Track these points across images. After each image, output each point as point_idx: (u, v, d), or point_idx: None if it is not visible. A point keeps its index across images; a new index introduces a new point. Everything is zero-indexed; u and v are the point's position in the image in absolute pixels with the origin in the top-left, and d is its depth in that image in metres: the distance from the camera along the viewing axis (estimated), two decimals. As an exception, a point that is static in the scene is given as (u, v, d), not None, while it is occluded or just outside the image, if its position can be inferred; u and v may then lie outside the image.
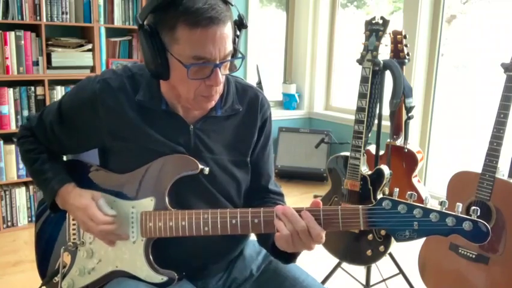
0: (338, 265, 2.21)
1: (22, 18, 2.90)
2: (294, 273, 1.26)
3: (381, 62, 1.96)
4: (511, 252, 1.80)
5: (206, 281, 1.26)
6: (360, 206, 1.03)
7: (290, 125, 4.38)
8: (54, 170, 1.23)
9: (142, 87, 1.17)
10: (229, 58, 1.08)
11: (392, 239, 1.93)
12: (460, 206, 0.97)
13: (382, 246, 1.97)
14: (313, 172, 4.14)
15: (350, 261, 2.13)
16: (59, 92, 3.11)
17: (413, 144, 2.75)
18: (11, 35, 2.90)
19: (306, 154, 4.19)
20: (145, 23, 1.05)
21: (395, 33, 2.41)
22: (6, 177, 3.01)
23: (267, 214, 1.07)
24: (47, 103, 3.04)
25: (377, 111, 2.03)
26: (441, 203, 0.98)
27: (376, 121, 2.04)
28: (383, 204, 1.01)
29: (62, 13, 3.03)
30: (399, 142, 2.62)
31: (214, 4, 1.00)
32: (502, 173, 1.87)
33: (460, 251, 1.92)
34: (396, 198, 1.01)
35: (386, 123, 2.18)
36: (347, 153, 2.04)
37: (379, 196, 1.97)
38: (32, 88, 3.02)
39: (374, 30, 1.93)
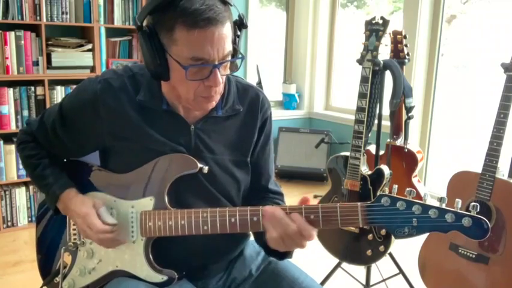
0: (338, 265, 2.21)
1: (22, 18, 2.90)
2: (293, 274, 1.26)
3: (381, 62, 1.96)
4: (511, 252, 1.80)
5: (206, 281, 1.26)
6: (359, 203, 1.03)
7: (290, 125, 4.38)
8: (55, 175, 1.23)
9: (142, 87, 1.17)
10: (229, 58, 1.08)
11: (392, 238, 1.95)
12: (459, 202, 0.97)
13: (382, 246, 1.97)
14: (313, 172, 4.14)
15: (350, 261, 2.13)
16: (59, 92, 3.11)
17: (413, 144, 2.75)
18: (11, 35, 2.90)
19: (306, 154, 4.19)
20: (144, 24, 1.05)
21: (395, 33, 2.41)
22: (6, 177, 3.01)
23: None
24: (47, 103, 3.04)
25: (377, 111, 2.03)
26: (440, 200, 0.98)
27: (376, 121, 2.04)
28: (381, 201, 1.01)
29: (62, 13, 3.03)
30: (399, 142, 2.62)
31: (212, 5, 1.00)
32: (502, 173, 1.87)
33: (459, 250, 1.92)
34: (395, 195, 1.01)
35: (386, 123, 2.18)
36: (347, 153, 2.04)
37: (379, 196, 1.97)
38: (32, 88, 3.02)
39: (374, 30, 1.93)
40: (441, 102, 3.72)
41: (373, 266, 2.13)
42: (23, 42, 2.93)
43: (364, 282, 2.20)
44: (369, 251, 1.99)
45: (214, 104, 1.15)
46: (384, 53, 2.15)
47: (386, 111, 2.08)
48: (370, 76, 1.94)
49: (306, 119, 4.65)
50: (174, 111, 1.18)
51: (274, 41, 4.77)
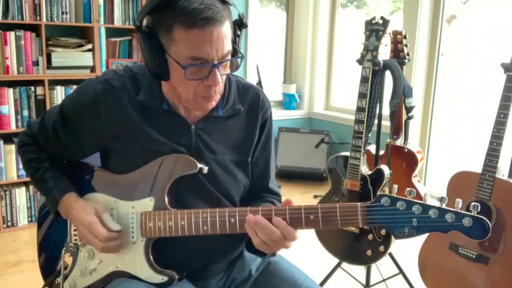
0: (338, 265, 2.21)
1: (22, 18, 2.90)
2: (292, 275, 1.26)
3: (381, 62, 1.96)
4: (511, 252, 1.80)
5: (206, 281, 1.26)
6: (359, 204, 1.02)
7: (290, 125, 4.39)
8: (55, 179, 1.23)
9: (143, 87, 1.17)
10: (228, 58, 1.08)
11: (392, 238, 1.95)
12: (459, 202, 0.97)
13: (382, 246, 1.97)
14: (313, 172, 4.14)
15: (350, 261, 2.13)
16: (59, 92, 3.11)
17: (413, 144, 2.75)
18: (11, 35, 2.90)
19: (306, 154, 4.19)
20: (143, 24, 1.05)
21: (395, 33, 2.41)
22: (6, 177, 3.01)
23: (266, 213, 1.07)
24: (47, 103, 3.04)
25: (377, 111, 2.03)
26: (440, 199, 0.98)
27: (376, 121, 2.04)
28: (381, 201, 1.01)
29: (62, 13, 3.03)
30: (399, 142, 2.62)
31: (210, 4, 1.00)
32: (502, 173, 1.87)
33: (460, 251, 1.92)
34: (395, 195, 1.00)
35: (386, 123, 2.18)
36: (347, 153, 2.04)
37: (379, 196, 1.97)
38: (32, 88, 3.02)
39: (374, 30, 1.93)
40: (441, 102, 3.72)
41: (373, 266, 2.13)
42: (23, 42, 2.93)
43: (364, 282, 2.20)
44: (369, 251, 1.99)
45: (214, 103, 1.15)
46: (384, 53, 2.15)
47: (386, 111, 2.08)
48: (370, 76, 1.94)
49: (306, 119, 4.65)
50: (175, 111, 1.18)
51: (274, 41, 4.77)
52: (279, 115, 4.46)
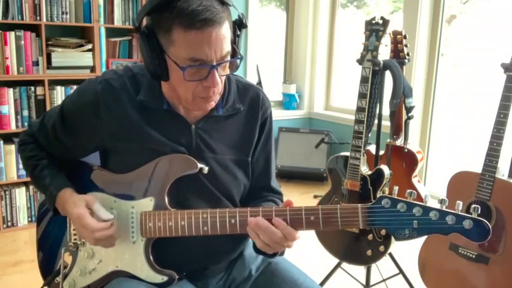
0: (338, 265, 2.21)
1: (22, 18, 2.90)
2: (292, 275, 1.26)
3: (381, 62, 1.96)
4: (511, 252, 1.80)
5: (206, 281, 1.26)
6: (360, 205, 1.03)
7: (290, 125, 4.38)
8: (52, 176, 1.23)
9: (143, 87, 1.17)
10: (227, 59, 1.08)
11: (392, 238, 1.94)
12: (460, 204, 0.97)
13: (382, 246, 1.97)
14: (313, 172, 4.14)
15: (350, 262, 2.13)
16: (59, 92, 3.11)
17: (413, 144, 2.75)
18: (11, 35, 2.90)
19: (306, 154, 4.19)
20: (142, 24, 1.05)
21: (395, 33, 2.41)
22: (6, 177, 3.01)
23: (266, 213, 1.08)
24: (47, 103, 3.04)
25: (377, 111, 2.03)
26: (441, 201, 0.98)
27: (376, 121, 2.04)
28: (382, 203, 1.01)
29: (62, 13, 3.03)
30: (399, 142, 2.62)
31: (209, 5, 1.00)
32: (502, 173, 1.87)
33: (460, 251, 1.92)
34: (396, 197, 1.01)
35: (386, 123, 2.18)
36: (347, 153, 2.04)
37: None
38: (32, 88, 3.02)
39: (374, 30, 1.93)
40: (441, 102, 3.72)
41: (373, 266, 2.13)
42: (23, 42, 2.93)
43: (364, 282, 2.20)
44: (369, 251, 1.99)
45: (213, 104, 1.15)
46: (384, 53, 2.16)
47: (386, 111, 2.08)
48: (370, 76, 1.94)
49: (306, 119, 4.65)
50: (175, 110, 1.18)
51: (274, 41, 4.77)
52: (279, 115, 4.46)
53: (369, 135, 2.05)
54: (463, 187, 1.92)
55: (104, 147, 1.22)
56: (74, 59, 3.12)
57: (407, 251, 2.31)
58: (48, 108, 3.01)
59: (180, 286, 1.18)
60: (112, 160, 1.23)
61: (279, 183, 1.37)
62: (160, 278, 1.14)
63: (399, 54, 2.38)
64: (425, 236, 2.06)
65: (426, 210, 0.98)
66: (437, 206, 0.98)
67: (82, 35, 3.26)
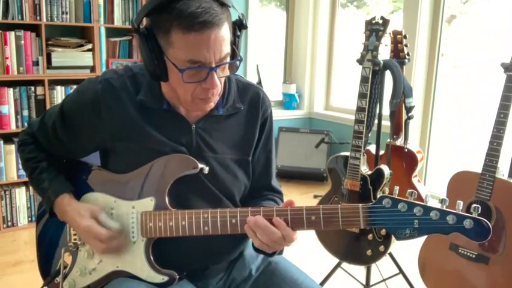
0: (338, 265, 2.21)
1: (22, 18, 2.90)
2: (292, 274, 1.26)
3: (381, 62, 1.96)
4: (511, 252, 1.80)
5: (206, 281, 1.26)
6: (360, 205, 1.03)
7: (290, 125, 4.38)
8: (50, 180, 1.23)
9: (143, 87, 1.17)
10: (226, 60, 1.07)
11: (392, 238, 1.94)
12: (460, 204, 0.97)
13: (382, 246, 1.97)
14: (313, 172, 4.14)
15: (350, 261, 2.13)
16: (59, 92, 3.11)
17: (413, 144, 2.75)
18: (11, 35, 2.90)
19: (306, 154, 4.19)
20: (142, 25, 1.05)
21: (395, 33, 2.41)
22: (6, 177, 3.01)
23: (267, 213, 1.07)
24: (47, 103, 3.04)
25: (377, 111, 2.03)
26: (441, 201, 0.98)
27: (376, 121, 2.04)
28: (383, 203, 1.01)
29: (62, 13, 3.03)
30: (399, 142, 2.62)
31: (208, 7, 0.99)
32: (502, 173, 1.87)
33: (460, 250, 1.92)
34: (397, 197, 1.01)
35: (386, 123, 2.18)
36: (347, 153, 2.04)
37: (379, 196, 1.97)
38: (32, 88, 3.02)
39: (374, 30, 1.93)
40: (441, 102, 3.72)
41: (373, 266, 2.13)
42: (23, 42, 2.93)
43: (364, 282, 2.20)
44: (369, 251, 1.99)
45: (212, 105, 1.15)
46: (384, 53, 2.15)
47: (386, 111, 2.08)
48: (370, 76, 1.94)
49: (306, 119, 4.65)
50: (175, 110, 1.18)
51: (274, 41, 4.77)
52: (279, 115, 4.46)
53: (369, 135, 2.05)
54: (463, 187, 1.92)
55: (105, 147, 1.22)
56: (74, 59, 3.12)
57: (407, 251, 2.31)
58: (48, 108, 3.01)
59: (180, 286, 1.18)
60: (112, 160, 1.23)
61: (279, 183, 1.38)
62: (160, 278, 1.14)
63: (399, 54, 2.38)
64: (426, 236, 2.07)
65: (427, 209, 0.98)
66: (438, 205, 0.98)
67: (82, 35, 3.26)
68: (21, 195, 3.07)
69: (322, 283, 2.20)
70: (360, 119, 1.97)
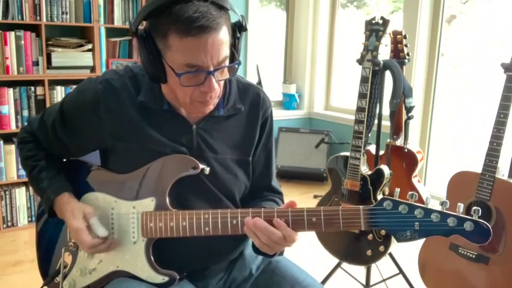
0: (338, 265, 2.21)
1: (22, 18, 2.90)
2: (293, 273, 1.26)
3: (381, 62, 1.96)
4: (511, 252, 1.80)
5: (206, 281, 1.26)
6: (361, 207, 1.03)
7: (290, 125, 4.38)
8: (50, 179, 1.23)
9: (143, 87, 1.17)
10: (225, 64, 1.07)
11: (392, 239, 1.94)
12: (461, 207, 0.97)
13: (382, 246, 1.97)
14: (313, 172, 4.14)
15: (350, 261, 2.13)
16: (59, 92, 3.11)
17: (413, 144, 2.75)
18: (11, 35, 2.90)
19: (306, 154, 4.19)
20: (140, 28, 1.05)
21: (395, 33, 2.41)
22: (6, 177, 3.01)
23: (268, 214, 1.07)
24: (47, 103, 3.04)
25: (377, 111, 2.03)
26: (442, 203, 0.98)
27: (376, 121, 2.04)
28: (384, 205, 1.01)
29: (62, 13, 3.03)
30: (399, 142, 2.62)
31: (205, 12, 0.99)
32: (502, 173, 1.87)
33: (460, 251, 1.92)
34: (397, 199, 1.01)
35: (386, 123, 2.18)
36: (347, 153, 2.04)
37: (379, 196, 1.97)
38: (32, 88, 3.02)
39: (374, 30, 1.93)
40: (441, 102, 3.72)
41: (373, 266, 2.13)
42: (23, 42, 2.93)
43: (364, 282, 2.20)
44: (369, 251, 1.99)
45: (211, 107, 1.15)
46: (384, 53, 2.15)
47: (386, 111, 2.08)
48: (370, 76, 1.94)
49: (306, 119, 4.65)
50: (175, 111, 1.18)
51: (274, 41, 4.77)
52: (279, 115, 4.46)
53: (369, 135, 2.05)
54: (463, 187, 1.92)
55: (105, 147, 1.22)
56: (74, 59, 3.12)
57: (407, 251, 2.31)
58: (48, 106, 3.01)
59: (181, 286, 1.18)
60: (112, 160, 1.23)
61: (279, 183, 1.38)
62: (161, 278, 1.14)
63: (399, 54, 2.38)
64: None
65: (428, 212, 0.98)
66: (439, 207, 0.98)
67: (82, 35, 3.26)
68: (21, 195, 3.07)
69: (322, 283, 2.20)
70: (360, 119, 1.97)
